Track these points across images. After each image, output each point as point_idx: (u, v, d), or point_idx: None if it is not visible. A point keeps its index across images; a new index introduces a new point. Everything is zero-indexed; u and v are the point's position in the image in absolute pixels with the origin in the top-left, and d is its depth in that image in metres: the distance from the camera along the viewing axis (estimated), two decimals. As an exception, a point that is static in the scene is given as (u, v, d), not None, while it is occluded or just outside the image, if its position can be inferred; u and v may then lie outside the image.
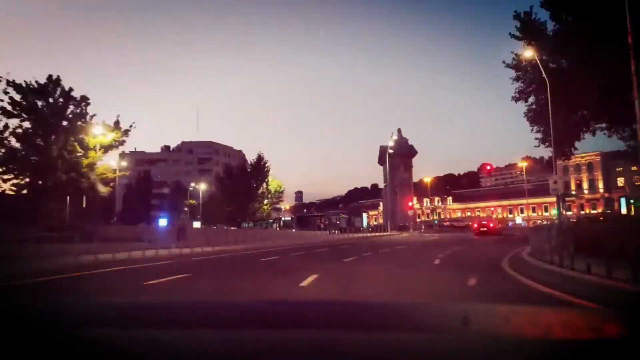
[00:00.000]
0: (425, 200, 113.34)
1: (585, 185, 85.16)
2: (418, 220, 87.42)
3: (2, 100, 28.20)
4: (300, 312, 1.48)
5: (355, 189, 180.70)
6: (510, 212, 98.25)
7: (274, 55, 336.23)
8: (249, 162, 60.68)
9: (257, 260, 15.82)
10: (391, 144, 64.61)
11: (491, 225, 44.78)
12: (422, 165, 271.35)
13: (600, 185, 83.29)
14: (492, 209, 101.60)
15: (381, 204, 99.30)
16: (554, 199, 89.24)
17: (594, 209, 78.53)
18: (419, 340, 0.94)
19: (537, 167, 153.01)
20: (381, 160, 74.05)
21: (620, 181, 77.66)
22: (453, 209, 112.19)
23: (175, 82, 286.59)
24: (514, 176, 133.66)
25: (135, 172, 69.18)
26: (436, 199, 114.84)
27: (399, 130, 77.84)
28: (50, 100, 30.27)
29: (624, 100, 16.05)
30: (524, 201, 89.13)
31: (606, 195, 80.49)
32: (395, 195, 72.09)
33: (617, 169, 77.66)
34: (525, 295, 7.38)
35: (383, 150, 68.98)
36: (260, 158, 58.39)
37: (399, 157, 70.51)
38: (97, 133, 31.53)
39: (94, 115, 31.69)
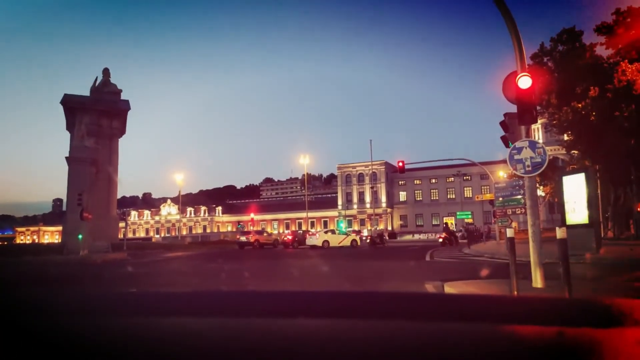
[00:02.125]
0: (190, 209, 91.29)
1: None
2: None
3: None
4: None
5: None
6: (287, 226, 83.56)
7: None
8: None
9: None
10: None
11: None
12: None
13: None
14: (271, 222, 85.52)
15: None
16: (334, 214, 76.08)
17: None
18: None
19: (316, 183, 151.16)
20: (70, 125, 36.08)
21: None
22: (223, 221, 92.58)
23: None
24: (294, 190, 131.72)
25: None
26: (202, 208, 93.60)
27: (106, 72, 36.47)
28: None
29: None
30: (303, 214, 74.84)
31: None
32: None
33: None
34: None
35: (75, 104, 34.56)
36: None
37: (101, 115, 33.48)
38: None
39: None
